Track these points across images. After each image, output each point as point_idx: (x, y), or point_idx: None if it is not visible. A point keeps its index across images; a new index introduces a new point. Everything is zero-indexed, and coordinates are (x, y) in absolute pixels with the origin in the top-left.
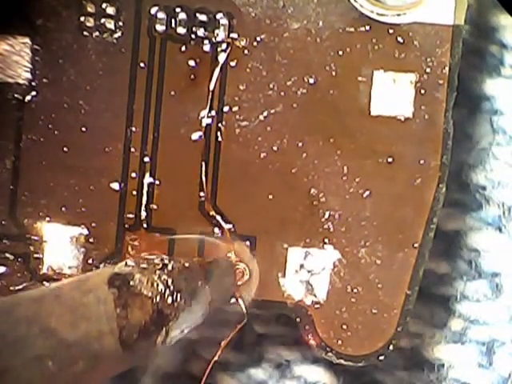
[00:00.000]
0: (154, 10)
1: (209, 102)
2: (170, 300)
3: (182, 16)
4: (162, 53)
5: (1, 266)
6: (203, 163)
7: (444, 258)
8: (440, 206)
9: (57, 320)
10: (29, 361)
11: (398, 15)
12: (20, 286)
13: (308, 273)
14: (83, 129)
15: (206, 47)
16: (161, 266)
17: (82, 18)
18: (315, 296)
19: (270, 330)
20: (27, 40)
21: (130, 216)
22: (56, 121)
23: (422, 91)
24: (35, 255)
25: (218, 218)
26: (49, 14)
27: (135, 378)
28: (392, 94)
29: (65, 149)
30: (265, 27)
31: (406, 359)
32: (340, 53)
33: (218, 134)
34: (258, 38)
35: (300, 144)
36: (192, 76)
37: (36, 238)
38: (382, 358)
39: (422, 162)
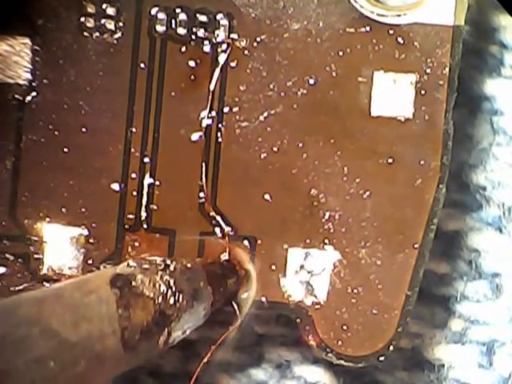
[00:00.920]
0: (154, 11)
1: (209, 102)
2: (172, 301)
3: (183, 16)
4: (163, 53)
5: (1, 266)
6: (203, 164)
7: (444, 259)
8: (440, 206)
9: (58, 321)
10: (30, 361)
11: (399, 16)
12: (20, 287)
13: (308, 273)
14: (83, 129)
15: (207, 48)
16: (163, 266)
17: (83, 19)
18: (315, 297)
19: (270, 330)
20: (27, 40)
21: (130, 217)
22: (56, 121)
23: (423, 92)
24: (35, 256)
25: (218, 218)
26: (49, 14)
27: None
28: (392, 95)
29: (65, 149)
30: (265, 28)
31: (407, 360)
32: (340, 53)
33: (218, 134)
34: (259, 39)
35: (300, 145)
36: (192, 77)
37: (36, 238)
38: (382, 358)
39: (422, 162)
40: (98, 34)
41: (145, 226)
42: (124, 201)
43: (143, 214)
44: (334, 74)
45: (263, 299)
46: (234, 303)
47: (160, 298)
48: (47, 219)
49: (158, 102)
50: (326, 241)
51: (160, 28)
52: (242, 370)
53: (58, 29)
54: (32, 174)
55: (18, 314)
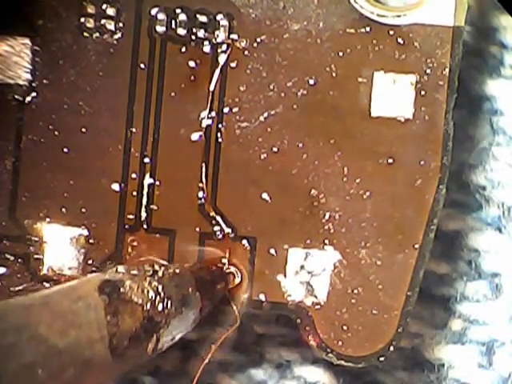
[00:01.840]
0: (154, 11)
1: (209, 102)
2: (160, 307)
3: (183, 17)
4: (162, 54)
5: (1, 266)
6: (203, 164)
7: (444, 259)
8: (440, 206)
9: (46, 327)
10: (18, 368)
11: (399, 16)
12: (20, 287)
13: (308, 274)
14: (83, 130)
15: (206, 48)
16: (151, 272)
17: (83, 19)
18: (315, 297)
19: (270, 330)
20: (27, 41)
21: (130, 217)
22: (56, 122)
23: (423, 92)
24: (35, 256)
25: (218, 218)
26: (49, 14)
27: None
28: (392, 95)
29: (65, 150)
30: (265, 28)
31: (407, 360)
32: (340, 54)
33: (218, 134)
34: (259, 39)
35: (300, 145)
36: (192, 77)
37: (36, 238)
38: (382, 358)
39: (422, 162)
40: (98, 34)
41: (145, 226)
42: (124, 201)
43: (143, 214)
44: (334, 74)
45: (263, 299)
46: (233, 305)
47: (148, 305)
48: (47, 219)
49: (158, 102)
50: (326, 241)
51: (160, 28)
52: (242, 370)
53: (58, 29)
54: (32, 174)
55: (6, 320)
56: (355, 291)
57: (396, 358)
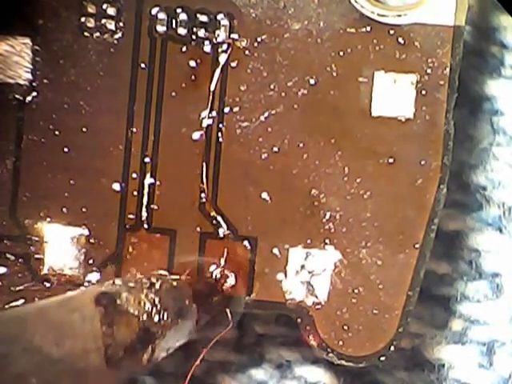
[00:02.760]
0: (154, 11)
1: (209, 102)
2: (156, 318)
3: (183, 17)
4: (163, 53)
5: (1, 266)
6: (204, 164)
7: (445, 259)
8: (441, 206)
9: (41, 338)
10: (12, 378)
11: (399, 16)
12: (20, 287)
13: (309, 273)
14: (84, 129)
15: (207, 48)
16: (148, 284)
17: (83, 19)
18: (316, 297)
19: (270, 330)
20: (28, 40)
21: (131, 216)
22: (56, 121)
23: (423, 92)
24: (36, 256)
25: (219, 218)
26: (49, 14)
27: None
28: (393, 95)
29: (65, 149)
30: (265, 28)
31: (407, 360)
32: (341, 53)
33: (219, 134)
34: (259, 39)
35: (301, 145)
36: (193, 77)
37: (37, 238)
38: (382, 358)
39: (422, 162)
40: (98, 34)
41: (145, 225)
42: (125, 201)
43: (144, 214)
44: (334, 74)
45: (263, 299)
46: (227, 307)
47: (145, 316)
48: (48, 219)
49: (159, 102)
50: (327, 241)
51: (160, 28)
52: (242, 370)
53: (59, 29)
54: (32, 174)
55: (0, 330)
56: (356, 291)
57: (396, 357)
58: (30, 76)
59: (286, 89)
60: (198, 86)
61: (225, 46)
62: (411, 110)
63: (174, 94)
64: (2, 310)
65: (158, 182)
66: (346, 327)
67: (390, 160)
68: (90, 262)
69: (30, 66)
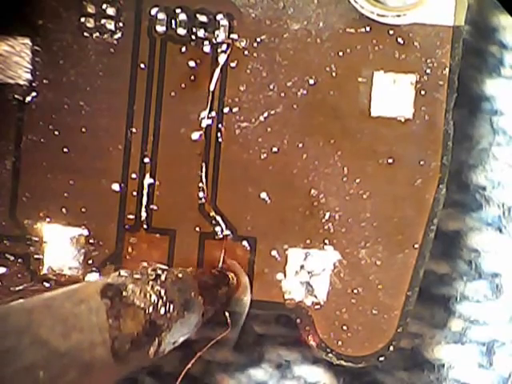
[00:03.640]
0: (154, 11)
1: (209, 102)
2: (162, 311)
3: (183, 17)
4: (163, 54)
5: (1, 266)
6: (203, 164)
7: (444, 259)
8: (440, 206)
9: (48, 330)
10: (19, 371)
11: (398, 16)
12: (20, 287)
13: (308, 274)
14: (83, 130)
15: (206, 48)
16: (154, 276)
17: (83, 19)
18: (315, 297)
19: (270, 330)
20: (27, 41)
21: (131, 217)
22: (56, 122)
23: (423, 92)
24: (35, 256)
25: (218, 218)
26: (49, 14)
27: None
28: (392, 95)
29: (65, 150)
30: (265, 28)
31: (407, 360)
32: (340, 54)
33: (218, 134)
34: (259, 39)
35: (300, 145)
36: (192, 77)
37: (36, 238)
38: (382, 358)
39: (422, 162)
40: (98, 34)
41: (145, 226)
42: (124, 201)
43: (143, 215)
44: (333, 74)
45: (263, 299)
46: (226, 313)
47: (151, 308)
48: (47, 219)
49: (158, 102)
50: (326, 241)
51: (160, 28)
52: (242, 369)
53: (58, 29)
54: (32, 175)
55: (7, 323)
56: (355, 291)
57: (396, 357)
58: (29, 76)
59: (285, 89)
60: (197, 86)
61: (224, 46)
62: (410, 110)
63: (173, 94)
64: (7, 303)
65: (157, 182)
66: (345, 327)
67: (390, 160)
68: (90, 262)
69: (30, 67)
